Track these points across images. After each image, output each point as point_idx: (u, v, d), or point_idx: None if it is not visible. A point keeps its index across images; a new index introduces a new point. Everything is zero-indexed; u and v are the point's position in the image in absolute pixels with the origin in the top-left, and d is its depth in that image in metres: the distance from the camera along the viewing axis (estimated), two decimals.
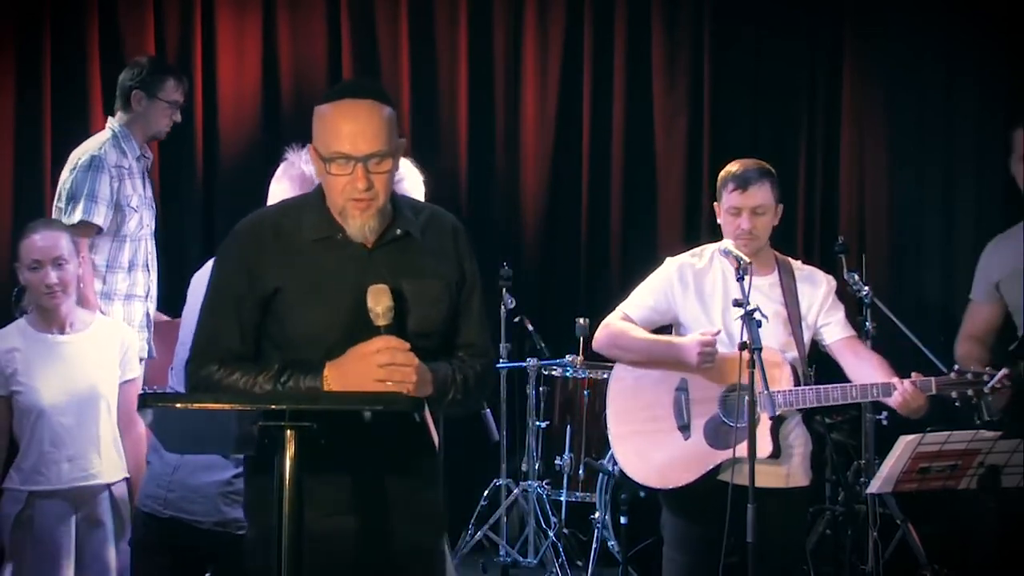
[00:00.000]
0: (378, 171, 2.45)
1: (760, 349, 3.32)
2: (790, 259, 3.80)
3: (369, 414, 2.22)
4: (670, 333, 3.80)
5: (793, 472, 3.60)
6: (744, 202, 3.62)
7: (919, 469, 3.57)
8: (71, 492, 3.62)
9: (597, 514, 5.47)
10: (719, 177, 3.72)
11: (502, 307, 5.76)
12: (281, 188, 3.12)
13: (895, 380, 3.54)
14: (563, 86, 6.51)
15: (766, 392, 3.32)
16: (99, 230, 4.50)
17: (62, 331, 3.70)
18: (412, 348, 2.41)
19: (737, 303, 3.41)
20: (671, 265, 3.76)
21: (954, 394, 3.54)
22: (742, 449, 3.44)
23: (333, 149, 2.45)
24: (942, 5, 6.15)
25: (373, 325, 2.41)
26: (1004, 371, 3.54)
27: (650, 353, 3.67)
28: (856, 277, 5.28)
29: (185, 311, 3.23)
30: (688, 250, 3.84)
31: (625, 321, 3.72)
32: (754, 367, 3.30)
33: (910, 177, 6.28)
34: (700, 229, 5.97)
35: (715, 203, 3.74)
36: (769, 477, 3.53)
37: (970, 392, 3.54)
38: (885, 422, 5.33)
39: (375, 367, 2.37)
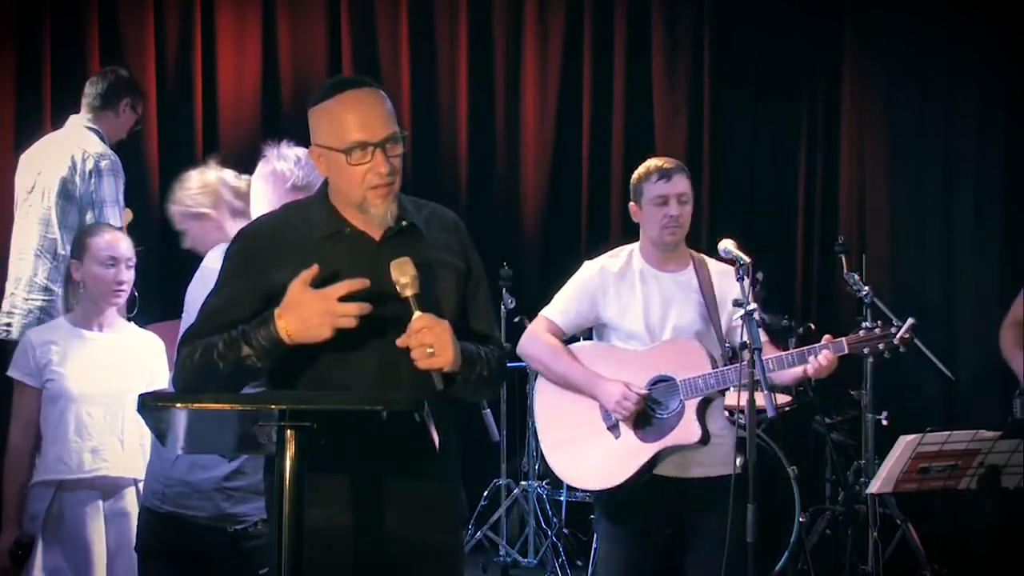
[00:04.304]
0: (394, 154, 2.48)
1: (760, 349, 3.33)
2: (704, 256, 3.84)
3: (386, 414, 2.22)
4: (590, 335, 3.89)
5: (724, 460, 3.62)
6: (670, 190, 3.70)
7: (919, 469, 3.58)
8: (96, 482, 3.65)
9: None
10: (636, 177, 3.78)
11: (502, 307, 5.77)
12: (258, 186, 3.16)
13: (809, 347, 3.60)
14: (563, 86, 6.52)
15: (766, 392, 3.32)
16: None
17: (100, 330, 3.75)
18: None
19: (737, 303, 3.43)
20: (592, 269, 3.80)
21: (866, 350, 3.63)
22: (674, 438, 3.58)
23: (350, 139, 2.45)
24: (942, 5, 6.15)
25: (386, 317, 2.42)
26: (911, 321, 3.61)
27: (568, 381, 3.73)
28: (856, 277, 5.29)
29: (183, 320, 3.23)
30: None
31: (552, 334, 3.77)
32: (754, 367, 3.31)
33: (910, 177, 6.28)
34: (700, 229, 5.98)
35: (631, 204, 3.79)
36: (699, 467, 3.61)
37: (881, 346, 3.61)
38: (885, 422, 5.34)
39: (331, 304, 2.36)
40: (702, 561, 3.55)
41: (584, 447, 3.71)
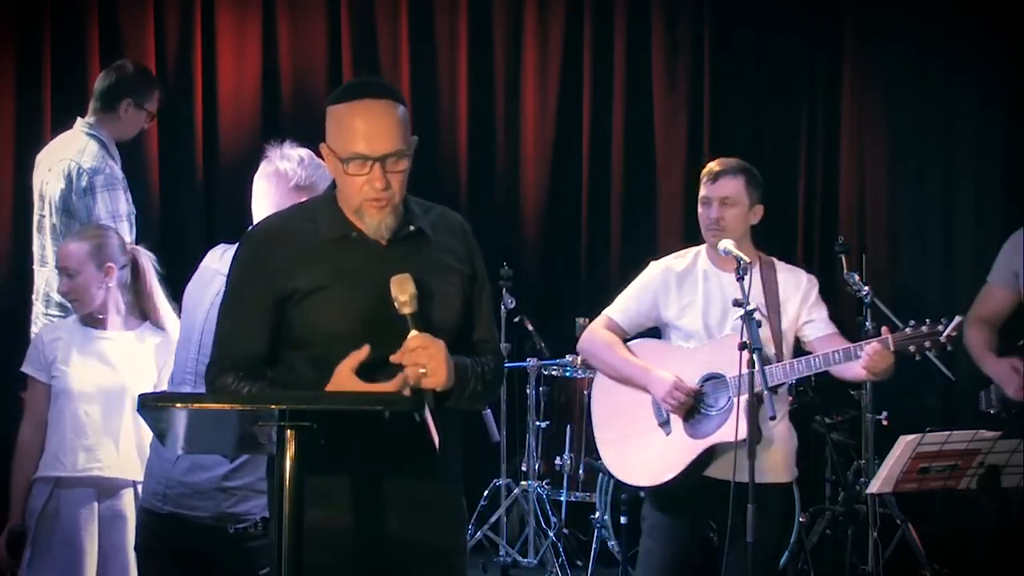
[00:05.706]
0: (395, 170, 2.48)
1: (760, 349, 3.34)
2: (774, 258, 3.85)
3: (388, 414, 2.22)
4: (658, 333, 3.88)
5: (773, 467, 3.61)
6: (713, 192, 3.73)
7: (919, 469, 3.57)
8: (92, 482, 3.65)
9: (597, 514, 5.47)
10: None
11: (502, 307, 5.77)
12: (260, 186, 3.16)
13: (857, 344, 3.57)
14: (563, 86, 6.51)
15: (766, 391, 3.33)
16: None
17: (105, 329, 3.76)
18: None
19: (737, 303, 3.43)
20: (655, 268, 3.85)
21: (912, 348, 3.58)
22: (721, 435, 3.56)
23: (351, 150, 2.46)
24: (942, 5, 6.15)
25: (392, 320, 2.42)
26: (957, 319, 3.57)
27: (622, 373, 3.78)
28: (856, 277, 5.29)
29: (182, 319, 3.23)
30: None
31: (610, 331, 3.81)
32: (754, 367, 3.32)
33: (910, 177, 6.28)
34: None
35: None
36: (769, 473, 3.58)
37: (928, 344, 3.57)
38: (885, 422, 5.34)
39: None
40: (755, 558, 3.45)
41: (636, 444, 3.74)
